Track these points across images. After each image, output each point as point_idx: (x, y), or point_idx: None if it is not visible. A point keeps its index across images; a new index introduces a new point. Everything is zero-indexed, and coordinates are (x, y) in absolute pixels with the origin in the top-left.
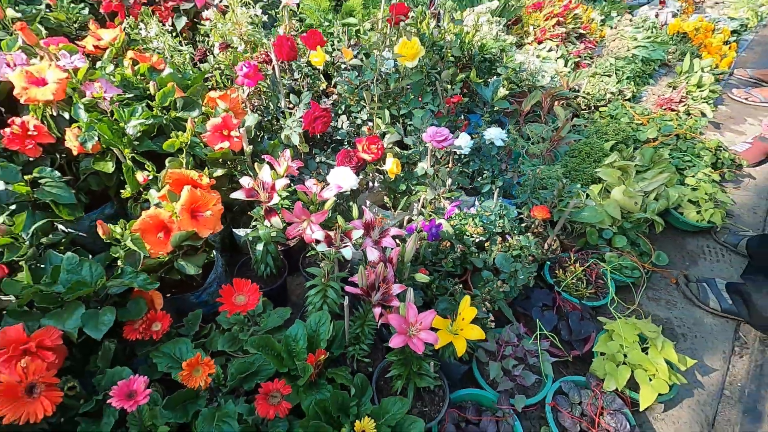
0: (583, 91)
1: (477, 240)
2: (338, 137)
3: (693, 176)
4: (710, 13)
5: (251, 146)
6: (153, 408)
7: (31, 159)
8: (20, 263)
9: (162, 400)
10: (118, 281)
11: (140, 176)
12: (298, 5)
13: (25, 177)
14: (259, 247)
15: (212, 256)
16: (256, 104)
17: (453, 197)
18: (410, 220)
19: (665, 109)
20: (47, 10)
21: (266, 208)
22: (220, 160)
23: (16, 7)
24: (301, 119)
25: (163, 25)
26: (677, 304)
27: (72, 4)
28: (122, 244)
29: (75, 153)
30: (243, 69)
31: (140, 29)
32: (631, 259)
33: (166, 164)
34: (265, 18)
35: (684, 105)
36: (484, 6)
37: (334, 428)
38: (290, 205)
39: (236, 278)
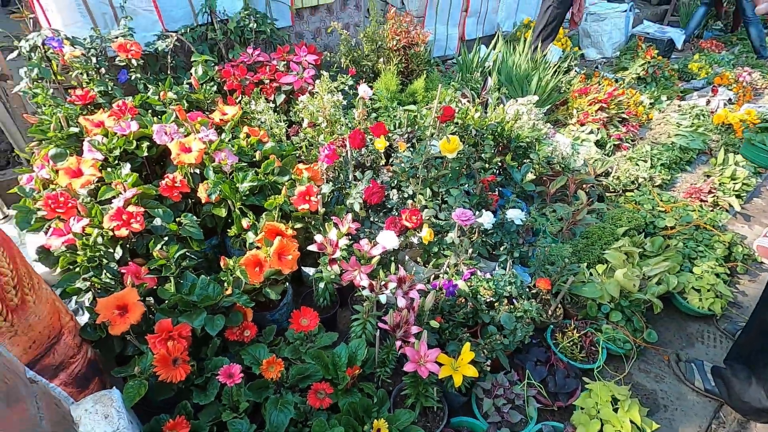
0: (613, 176)
1: (488, 300)
2: (388, 206)
3: (700, 266)
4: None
5: (324, 208)
6: (239, 389)
7: (174, 202)
8: (169, 277)
9: (245, 385)
10: (230, 298)
11: (244, 222)
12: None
13: (176, 220)
14: (321, 285)
15: (286, 286)
16: (330, 176)
17: (471, 264)
18: (437, 277)
19: (693, 199)
20: (190, 90)
21: (330, 258)
22: (300, 215)
23: (171, 90)
24: (362, 192)
25: (267, 101)
26: (665, 378)
27: (206, 85)
28: (232, 272)
29: (203, 201)
30: (325, 150)
31: (251, 104)
32: (623, 332)
33: (263, 216)
34: (344, 102)
35: (713, 196)
36: (526, 98)
37: (359, 424)
38: (347, 256)
39: (303, 306)
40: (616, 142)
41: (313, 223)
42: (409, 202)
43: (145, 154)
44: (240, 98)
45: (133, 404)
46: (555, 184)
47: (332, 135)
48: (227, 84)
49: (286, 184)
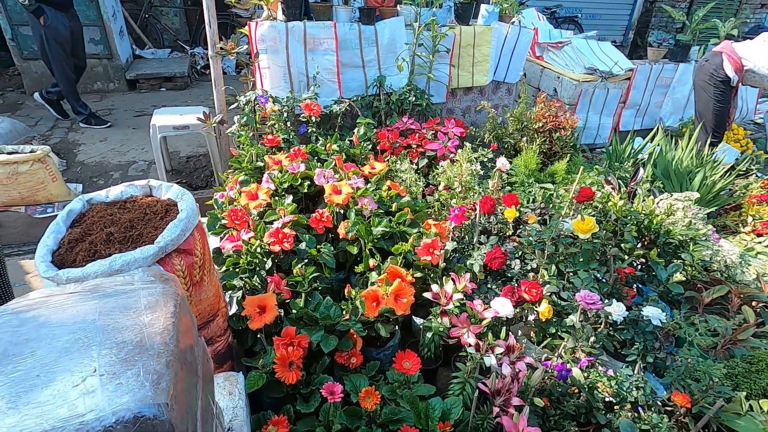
0: None
1: (606, 399)
2: (508, 275)
3: None
4: None
5: (444, 263)
6: (336, 410)
7: (317, 233)
8: (300, 293)
9: (341, 408)
10: (346, 323)
11: (371, 261)
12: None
13: (317, 247)
14: (429, 335)
15: (395, 328)
16: (456, 235)
17: (591, 353)
18: (548, 358)
19: None
20: (350, 146)
21: (442, 310)
22: (421, 266)
23: (335, 143)
24: (484, 255)
25: (411, 163)
26: None
27: (363, 143)
28: (352, 302)
29: (341, 237)
30: (455, 211)
31: (397, 163)
32: None
33: (389, 260)
34: (481, 173)
35: None
36: (684, 194)
37: None
38: (458, 312)
39: (408, 350)
40: None
41: (432, 275)
42: (531, 274)
43: (305, 190)
44: (388, 157)
45: (250, 391)
46: (712, 292)
47: (464, 200)
48: (380, 144)
49: (414, 235)
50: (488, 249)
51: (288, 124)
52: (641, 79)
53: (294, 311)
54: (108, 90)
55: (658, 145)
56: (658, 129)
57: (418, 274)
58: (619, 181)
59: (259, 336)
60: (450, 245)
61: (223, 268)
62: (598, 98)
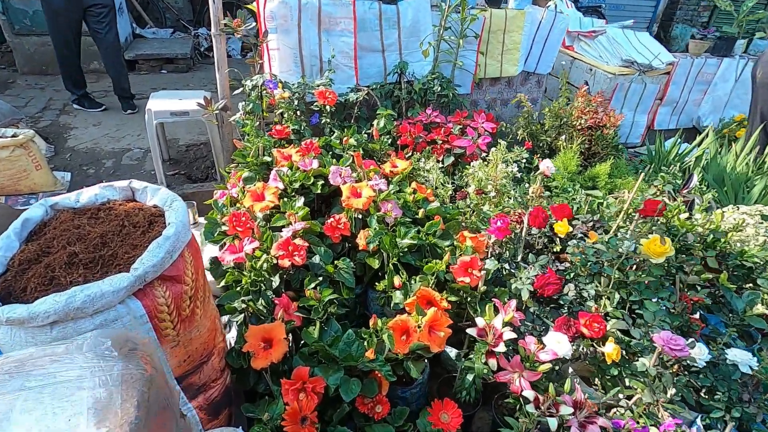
0: None
1: None
2: (561, 302)
3: None
4: None
5: (485, 287)
6: None
7: (332, 243)
8: (314, 321)
9: None
10: (372, 364)
11: (396, 280)
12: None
13: (334, 262)
14: (469, 377)
15: (426, 364)
16: (494, 250)
17: (675, 412)
18: (608, 406)
19: None
20: (368, 140)
21: (489, 350)
22: (457, 288)
23: (353, 136)
24: (533, 278)
25: (437, 161)
26: None
27: (383, 137)
28: (377, 334)
29: (360, 248)
30: (498, 222)
31: (421, 161)
32: None
33: (417, 280)
34: (519, 174)
35: None
36: (753, 208)
37: None
38: (509, 351)
39: (443, 395)
40: None
41: (468, 299)
42: (590, 304)
43: (318, 191)
44: (409, 154)
45: None
46: None
47: (498, 207)
48: (401, 139)
49: (448, 250)
50: (538, 271)
51: (299, 113)
52: (681, 74)
53: (306, 343)
54: (105, 71)
55: (707, 148)
56: (708, 131)
57: (453, 298)
58: (668, 188)
59: (264, 374)
60: (491, 264)
61: (222, 283)
62: (633, 93)
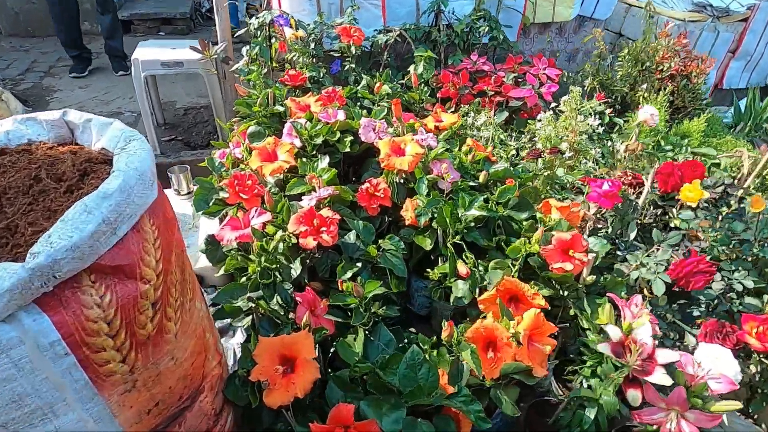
0: None
1: None
2: (700, 297)
3: None
4: None
5: (593, 276)
6: None
7: (368, 216)
8: (355, 327)
9: None
10: (452, 401)
11: (461, 266)
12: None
13: (378, 242)
14: (589, 413)
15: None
16: (598, 226)
17: None
18: None
19: None
20: (404, 90)
21: (631, 376)
22: (549, 278)
23: (386, 83)
24: (665, 263)
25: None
26: None
27: (424, 88)
28: (450, 349)
29: (406, 222)
30: (603, 186)
31: (468, 116)
32: None
33: (492, 264)
34: (600, 129)
35: None
36: None
37: None
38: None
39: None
40: None
41: (566, 294)
42: (750, 299)
43: (347, 149)
44: (452, 109)
45: None
46: None
47: (573, 171)
48: (442, 91)
49: (525, 224)
50: (670, 256)
51: (314, 60)
52: (761, 21)
53: (345, 363)
54: (97, 32)
55: None
56: None
57: (546, 292)
58: None
59: (285, 412)
60: (597, 243)
61: (221, 271)
62: (703, 44)
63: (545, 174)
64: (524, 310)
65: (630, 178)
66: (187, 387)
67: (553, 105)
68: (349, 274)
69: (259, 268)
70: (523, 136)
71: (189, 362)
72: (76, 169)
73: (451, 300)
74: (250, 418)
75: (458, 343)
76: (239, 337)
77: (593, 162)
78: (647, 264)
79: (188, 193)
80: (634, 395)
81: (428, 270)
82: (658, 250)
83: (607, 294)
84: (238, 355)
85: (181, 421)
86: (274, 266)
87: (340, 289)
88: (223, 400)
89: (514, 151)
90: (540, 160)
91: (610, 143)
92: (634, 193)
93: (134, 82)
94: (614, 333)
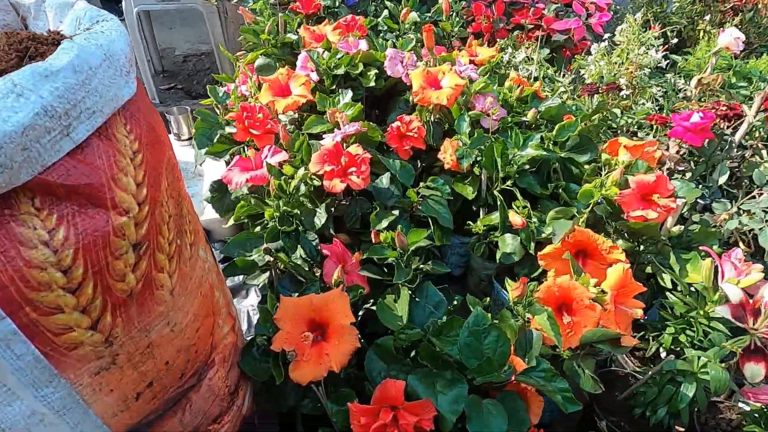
0: None
1: None
2: None
3: None
4: None
5: (681, 226)
6: None
7: (399, 160)
8: (397, 285)
9: None
10: (526, 378)
11: (513, 216)
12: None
13: (421, 184)
14: (687, 391)
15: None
16: (681, 168)
17: None
18: None
19: None
20: (433, 20)
21: (753, 346)
22: (632, 229)
23: (414, 11)
24: None
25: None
26: None
27: (456, 18)
28: (514, 311)
29: (446, 167)
30: (692, 118)
31: (506, 53)
32: None
33: (551, 214)
34: (663, 63)
35: None
36: None
37: None
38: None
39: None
40: None
41: (646, 248)
42: None
43: (371, 84)
44: (486, 45)
45: None
46: None
47: (629, 111)
48: (473, 25)
49: (587, 168)
50: None
51: None
52: None
53: (385, 328)
54: None
55: None
56: None
57: (622, 245)
58: None
59: (315, 388)
60: (683, 186)
61: (230, 222)
62: None
63: (601, 114)
64: (593, 267)
65: (725, 108)
66: (191, 361)
67: (606, 36)
68: (384, 224)
69: (277, 213)
70: (566, 75)
71: (192, 328)
72: (13, 50)
73: (498, 257)
74: (273, 397)
75: (530, 304)
76: (253, 298)
77: (652, 101)
78: (752, 211)
79: (189, 138)
80: (754, 370)
81: (469, 222)
82: (760, 195)
83: (701, 248)
84: (253, 320)
85: (185, 406)
86: (295, 211)
87: (374, 241)
88: (238, 375)
89: (563, 89)
90: (595, 96)
91: (673, 78)
92: (729, 127)
93: (125, 18)
94: (734, 293)
